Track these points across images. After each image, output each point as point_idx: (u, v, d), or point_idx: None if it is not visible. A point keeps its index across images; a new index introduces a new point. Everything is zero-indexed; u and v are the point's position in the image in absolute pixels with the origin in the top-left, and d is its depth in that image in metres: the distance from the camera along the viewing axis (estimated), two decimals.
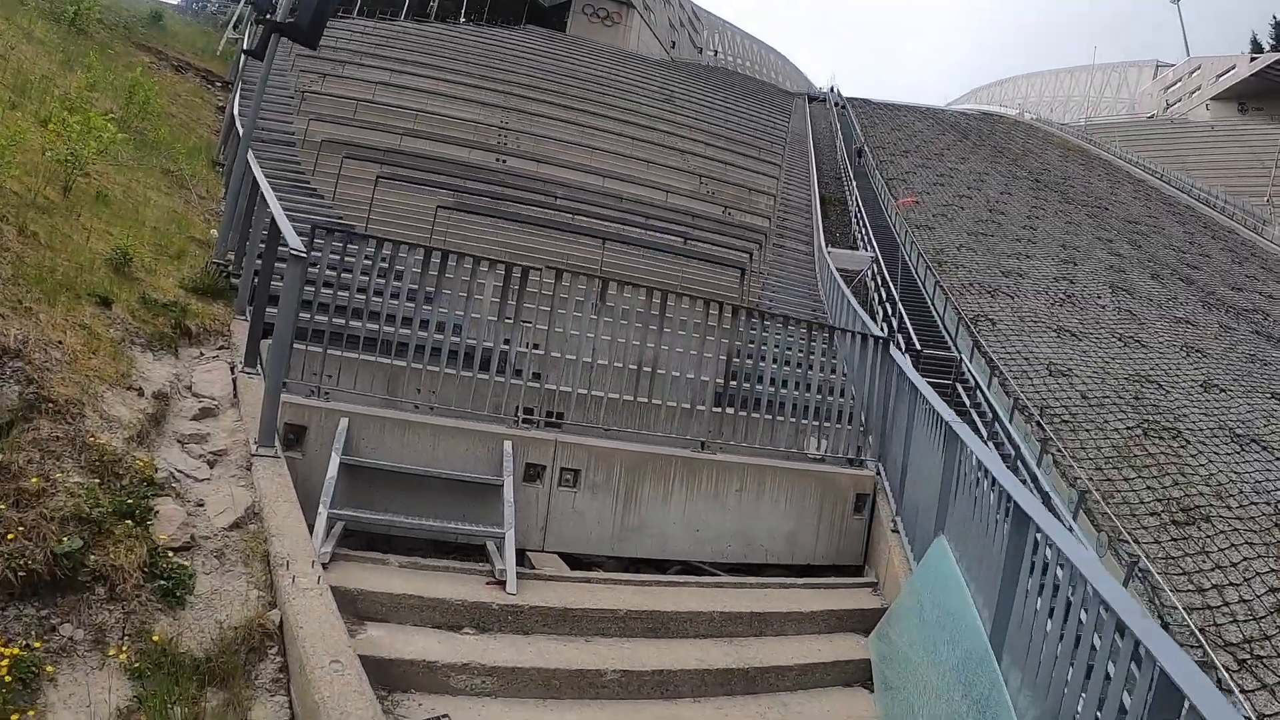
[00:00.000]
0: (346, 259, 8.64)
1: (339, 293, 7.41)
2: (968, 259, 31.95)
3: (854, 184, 40.22)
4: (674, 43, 69.81)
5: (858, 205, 35.49)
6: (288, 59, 24.90)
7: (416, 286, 7.49)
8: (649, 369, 8.19)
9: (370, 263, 7.65)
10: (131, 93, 15.21)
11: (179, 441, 6.28)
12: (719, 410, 8.37)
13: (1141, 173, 54.15)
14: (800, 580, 7.63)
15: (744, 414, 8.51)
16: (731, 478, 7.91)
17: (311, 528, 5.60)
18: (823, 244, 24.65)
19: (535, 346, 8.02)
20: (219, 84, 23.97)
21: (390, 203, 16.63)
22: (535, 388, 7.75)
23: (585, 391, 7.81)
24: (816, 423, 8.76)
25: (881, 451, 8.59)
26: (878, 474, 8.47)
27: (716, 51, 78.40)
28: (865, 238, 31.31)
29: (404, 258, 7.72)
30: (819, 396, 8.85)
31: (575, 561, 7.22)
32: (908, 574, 6.89)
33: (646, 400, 8.20)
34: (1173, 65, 74.95)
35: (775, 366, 8.81)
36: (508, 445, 7.11)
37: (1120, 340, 26.39)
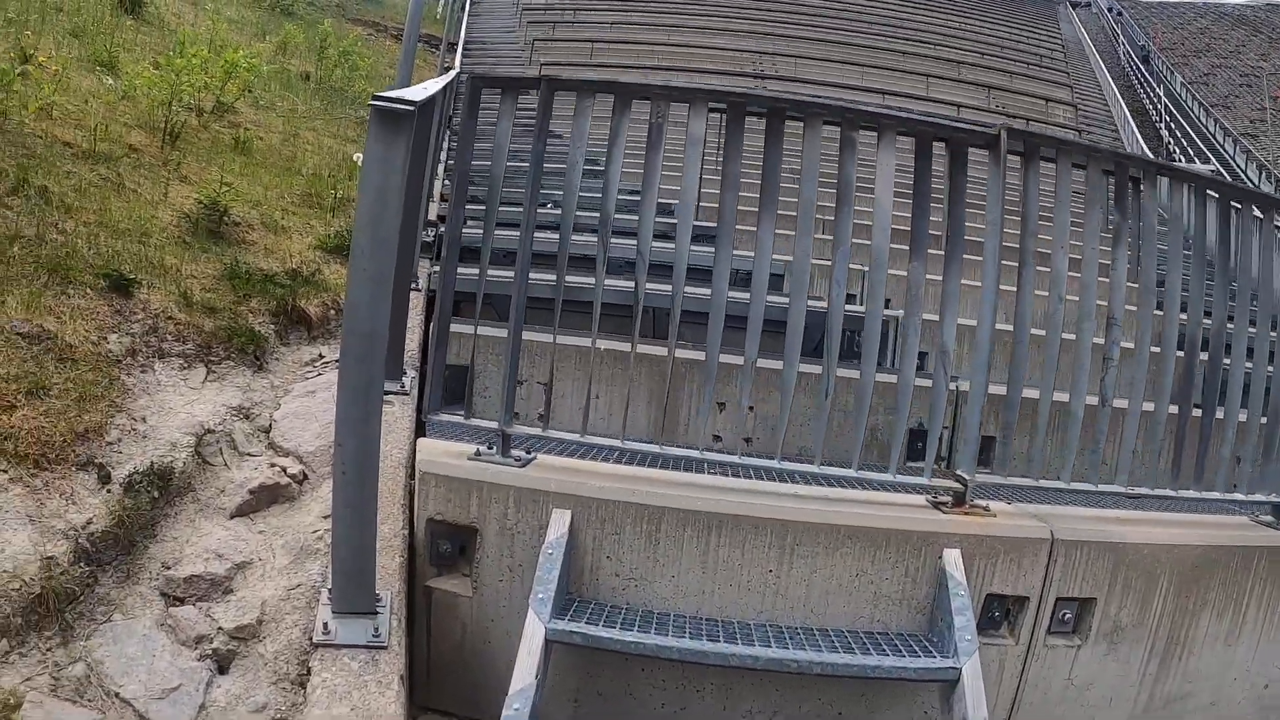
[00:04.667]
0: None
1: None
2: None
3: (1148, 91, 30.84)
4: None
5: (1163, 113, 26.80)
6: (514, 15, 22.69)
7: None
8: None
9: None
10: (323, 48, 12.56)
11: (168, 601, 2.63)
12: None
13: None
14: None
15: None
16: None
17: None
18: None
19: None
20: (440, 46, 21.96)
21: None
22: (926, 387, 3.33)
23: (1035, 396, 3.25)
24: None
25: None
26: None
27: None
28: (1181, 148, 23.18)
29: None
30: None
31: None
32: None
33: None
34: None
35: None
36: (952, 557, 2.79)
37: None
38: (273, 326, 4.41)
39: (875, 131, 3.06)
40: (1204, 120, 28.39)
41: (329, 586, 2.51)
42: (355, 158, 7.33)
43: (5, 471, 2.81)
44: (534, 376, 4.31)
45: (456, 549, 3.14)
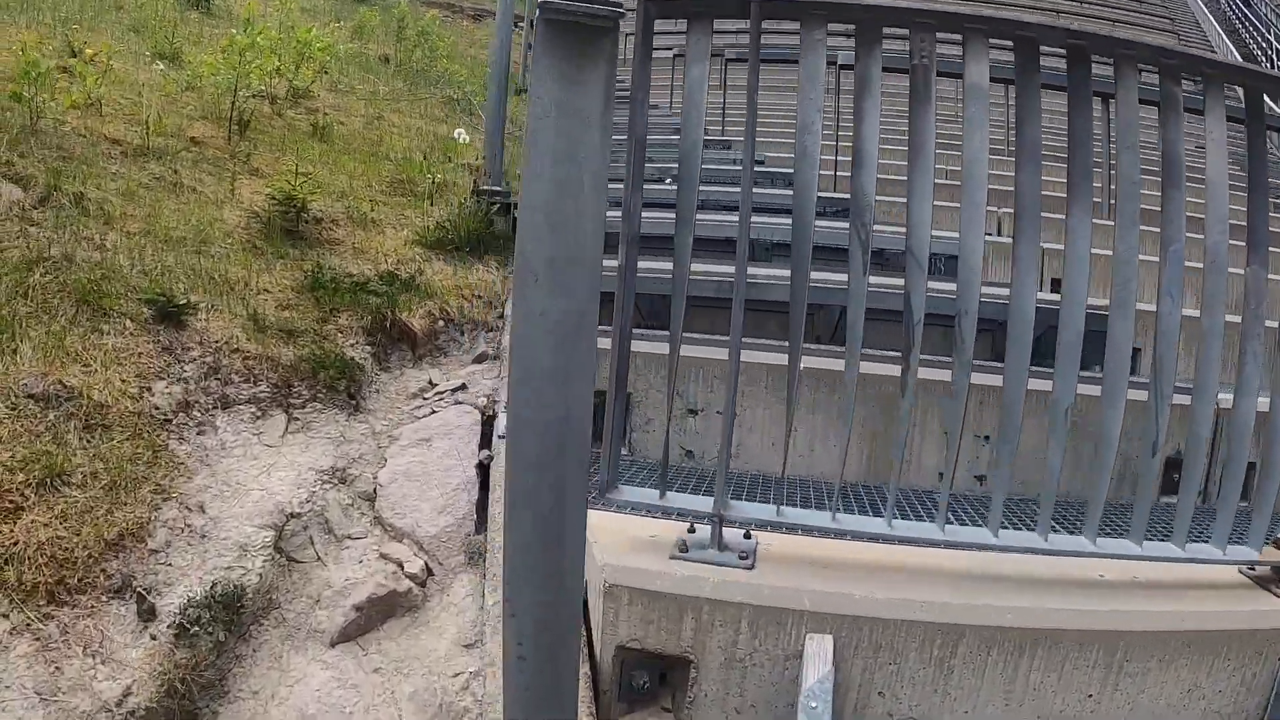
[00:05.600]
0: None
1: None
2: None
3: (1255, 36, 27.23)
4: None
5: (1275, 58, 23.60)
6: None
7: None
8: None
9: None
10: (400, 29, 11.68)
11: None
12: None
13: None
14: None
15: None
16: None
17: None
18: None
19: None
20: (521, 24, 20.93)
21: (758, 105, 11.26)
22: None
23: None
24: None
25: None
26: None
27: None
28: None
29: None
30: None
31: None
32: None
33: None
34: None
35: None
36: None
37: None
38: (368, 348, 3.41)
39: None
40: None
41: None
42: (457, 135, 6.29)
43: (5, 616, 1.86)
44: (710, 404, 3.20)
45: (655, 678, 2.08)
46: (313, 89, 7.21)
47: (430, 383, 3.40)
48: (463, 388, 3.31)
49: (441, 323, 3.77)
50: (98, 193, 3.73)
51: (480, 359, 3.62)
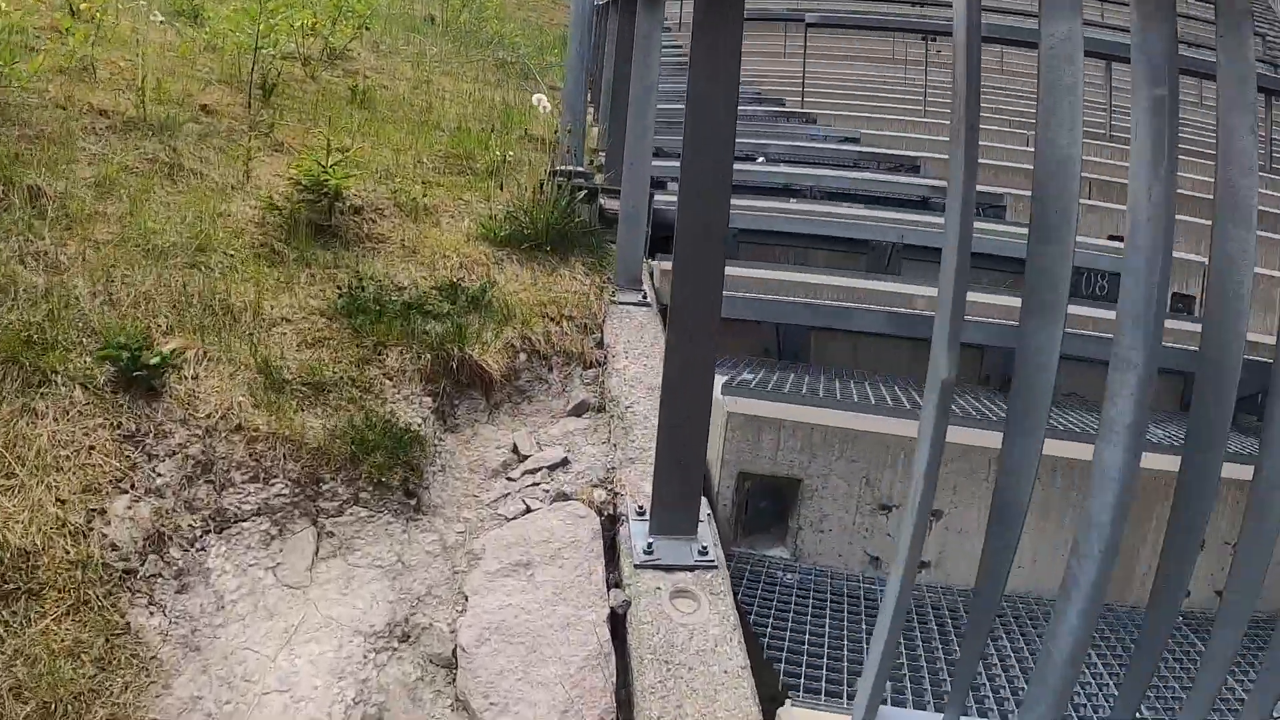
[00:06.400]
0: None
1: None
2: None
3: None
4: None
5: None
6: None
7: None
8: None
9: None
10: None
11: None
12: None
13: None
14: None
15: None
16: None
17: None
18: None
19: None
20: None
21: (825, 74, 9.81)
22: None
23: None
24: None
25: None
26: None
27: None
28: None
29: None
30: None
31: None
32: None
33: None
34: None
35: None
36: None
37: None
38: (428, 401, 2.42)
39: None
40: None
41: None
42: (536, 101, 5.16)
43: None
44: (889, 490, 2.19)
45: None
46: (351, 48, 6.20)
47: (516, 451, 2.41)
48: (564, 464, 2.31)
49: (524, 356, 2.77)
50: (62, 184, 2.76)
51: (579, 410, 2.62)
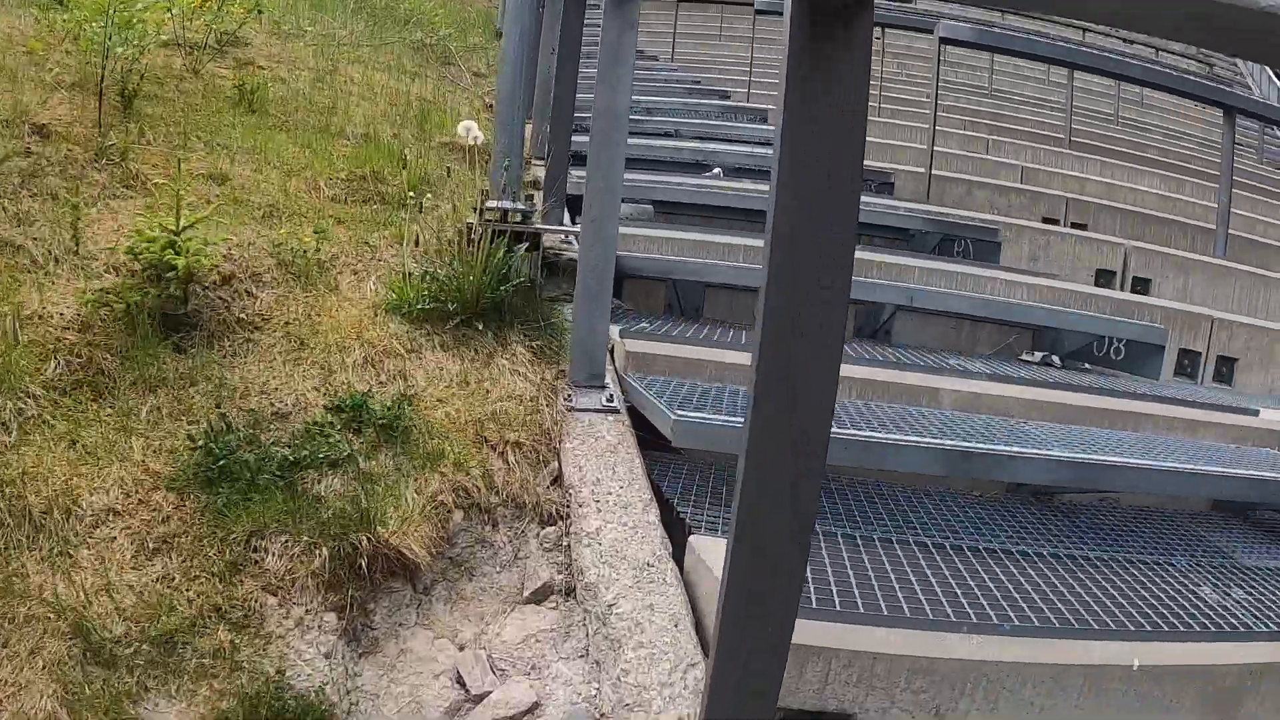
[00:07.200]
0: None
1: None
2: None
3: None
4: None
5: None
6: None
7: None
8: None
9: None
10: None
11: None
12: None
13: None
14: None
15: None
16: None
17: None
18: None
19: None
20: None
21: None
22: None
23: None
24: None
25: None
26: None
27: None
28: None
29: None
30: None
31: None
32: None
33: None
34: None
35: None
36: None
37: None
38: (330, 619, 1.70)
39: None
40: None
41: None
42: (463, 131, 4.19)
43: None
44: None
45: None
46: (245, 33, 5.20)
47: (461, 684, 1.71)
48: (533, 711, 1.62)
49: (460, 514, 2.05)
50: None
51: (540, 596, 1.93)
